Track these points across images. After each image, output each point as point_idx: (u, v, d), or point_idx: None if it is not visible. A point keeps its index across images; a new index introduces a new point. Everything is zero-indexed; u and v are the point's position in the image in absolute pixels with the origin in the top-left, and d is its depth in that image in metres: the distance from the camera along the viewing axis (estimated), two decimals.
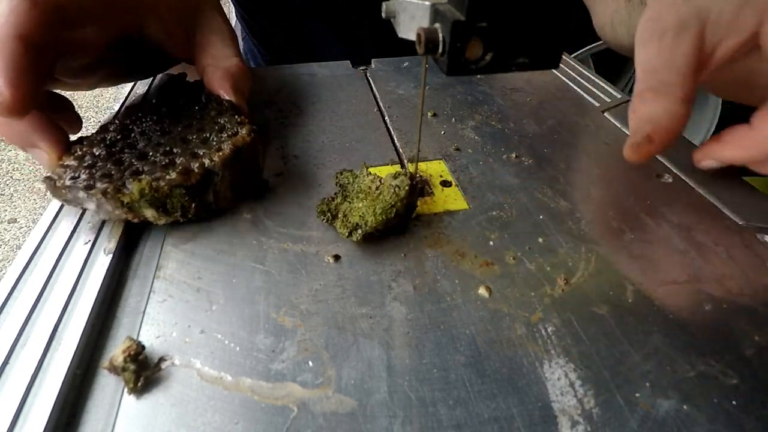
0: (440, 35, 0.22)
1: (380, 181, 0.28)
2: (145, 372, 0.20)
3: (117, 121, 0.31)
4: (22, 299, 0.23)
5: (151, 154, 0.27)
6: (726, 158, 0.30)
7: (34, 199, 1.70)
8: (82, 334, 0.21)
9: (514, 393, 0.20)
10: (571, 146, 0.37)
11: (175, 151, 0.28)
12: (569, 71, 0.48)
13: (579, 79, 0.47)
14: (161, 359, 0.21)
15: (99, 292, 0.23)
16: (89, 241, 0.26)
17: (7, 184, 1.76)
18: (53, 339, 0.21)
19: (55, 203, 0.29)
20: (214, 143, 0.28)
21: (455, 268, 0.26)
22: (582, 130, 0.39)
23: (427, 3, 0.25)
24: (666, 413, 0.19)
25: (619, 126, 0.39)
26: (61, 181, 0.25)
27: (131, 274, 0.26)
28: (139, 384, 0.20)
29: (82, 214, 0.28)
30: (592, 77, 0.47)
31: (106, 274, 0.24)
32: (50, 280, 0.24)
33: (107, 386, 0.20)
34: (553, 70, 0.48)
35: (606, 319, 0.23)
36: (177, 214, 0.27)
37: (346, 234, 0.26)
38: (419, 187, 0.29)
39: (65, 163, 0.27)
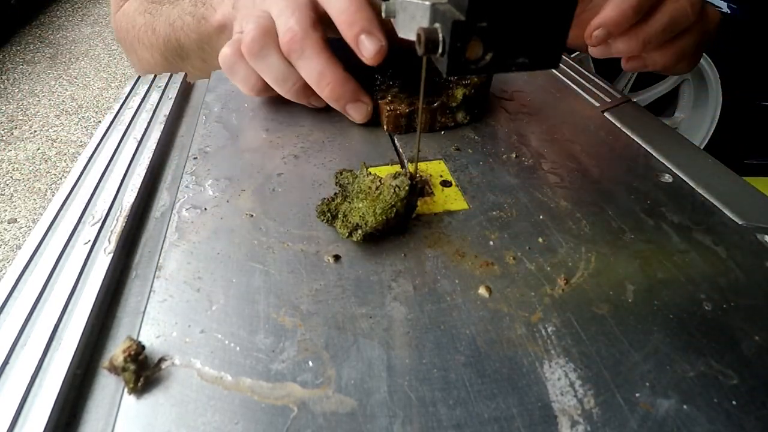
0: (440, 35, 0.22)
1: (380, 181, 0.28)
2: (145, 372, 0.20)
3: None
4: (22, 299, 0.23)
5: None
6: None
7: (34, 199, 1.70)
8: (82, 334, 0.21)
9: (514, 393, 0.20)
10: (571, 146, 0.37)
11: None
12: (569, 71, 0.48)
13: (579, 79, 0.47)
14: (161, 359, 0.21)
15: (99, 292, 0.23)
16: (89, 241, 0.26)
17: (7, 184, 1.76)
18: (53, 339, 0.21)
19: (56, 203, 0.29)
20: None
21: (455, 268, 0.26)
22: (582, 130, 0.39)
23: (427, 3, 0.25)
24: (666, 413, 0.19)
25: (619, 126, 0.39)
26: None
27: (131, 274, 0.26)
28: (139, 384, 0.20)
29: (82, 214, 0.28)
30: (592, 77, 0.47)
31: (106, 274, 0.24)
32: (50, 280, 0.24)
33: (107, 386, 0.20)
34: (553, 70, 0.48)
35: (606, 319, 0.23)
36: (469, 115, 0.38)
37: (346, 234, 0.26)
38: (419, 187, 0.29)
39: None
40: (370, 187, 0.28)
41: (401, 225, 0.28)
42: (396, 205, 0.26)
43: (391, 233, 0.28)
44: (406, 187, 0.27)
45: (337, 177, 0.31)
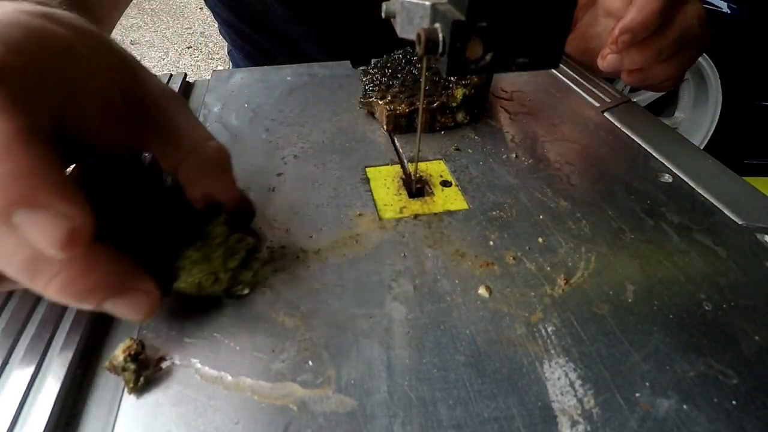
0: (440, 35, 0.22)
1: (226, 236, 0.23)
2: (145, 372, 0.20)
3: None
4: (22, 299, 0.23)
5: None
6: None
7: None
8: (82, 334, 0.21)
9: (514, 393, 0.20)
10: (571, 146, 0.37)
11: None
12: (569, 71, 0.48)
13: (579, 79, 0.47)
14: (161, 359, 0.21)
15: None
16: None
17: None
18: (53, 339, 0.21)
19: None
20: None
21: (455, 268, 0.26)
22: (582, 130, 0.39)
23: (427, 3, 0.25)
24: (666, 413, 0.19)
25: (619, 126, 0.39)
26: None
27: None
28: (139, 384, 0.20)
29: None
30: (592, 77, 0.47)
31: None
32: None
33: (107, 386, 0.20)
34: (553, 70, 0.48)
35: (606, 319, 0.23)
36: (469, 115, 0.38)
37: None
38: (255, 262, 0.25)
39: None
40: (214, 238, 0.23)
41: (230, 297, 0.24)
42: (218, 274, 0.23)
43: (215, 302, 0.24)
44: (238, 259, 0.23)
45: (203, 211, 0.24)
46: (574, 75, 0.48)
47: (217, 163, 0.25)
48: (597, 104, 0.43)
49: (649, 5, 0.35)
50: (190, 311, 0.23)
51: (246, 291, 0.24)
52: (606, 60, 0.40)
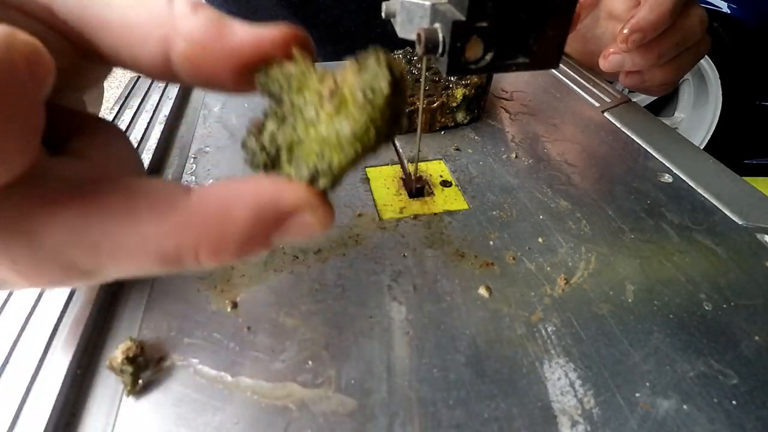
0: (440, 35, 0.22)
1: (335, 81, 0.15)
2: (144, 372, 0.20)
3: None
4: (22, 299, 0.23)
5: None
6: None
7: None
8: (82, 334, 0.21)
9: (514, 393, 0.20)
10: (571, 146, 0.37)
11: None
12: (569, 71, 0.48)
13: (579, 79, 0.47)
14: (161, 359, 0.21)
15: (99, 292, 0.23)
16: None
17: None
18: (53, 339, 0.21)
19: None
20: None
21: (455, 268, 0.26)
22: (582, 130, 0.39)
23: (427, 3, 0.25)
24: (666, 413, 0.19)
25: (619, 126, 0.39)
26: None
27: None
28: (138, 386, 0.20)
29: None
30: (592, 77, 0.47)
31: None
32: None
33: (107, 386, 0.20)
34: (553, 70, 0.48)
35: (606, 319, 0.23)
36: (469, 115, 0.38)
37: (306, 184, 0.15)
38: (403, 79, 0.15)
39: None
40: (321, 94, 0.15)
41: (385, 141, 0.15)
42: (375, 120, 0.14)
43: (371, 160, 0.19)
44: (387, 85, 0.14)
45: (259, 79, 0.16)
46: (574, 75, 0.48)
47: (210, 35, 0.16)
48: (597, 104, 0.43)
49: (660, 6, 0.35)
50: (191, 311, 0.23)
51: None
52: (608, 60, 0.40)
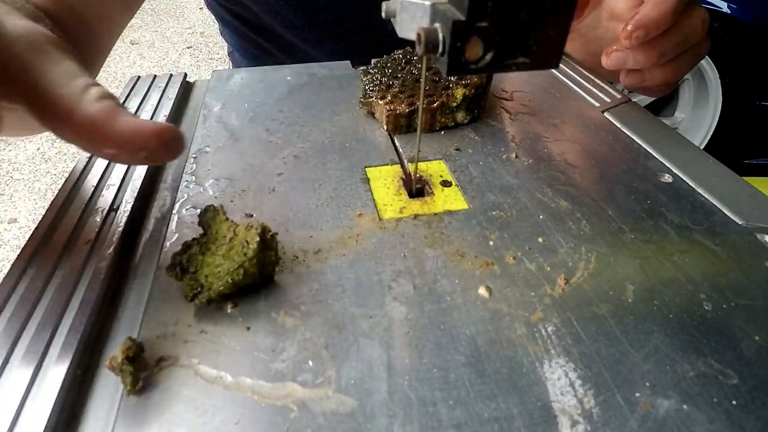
0: (440, 35, 0.22)
1: (234, 231, 0.24)
2: (144, 372, 0.20)
3: None
4: (22, 299, 0.23)
5: None
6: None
7: (34, 199, 1.70)
8: (82, 334, 0.21)
9: (514, 393, 0.20)
10: (571, 146, 0.37)
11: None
12: (569, 71, 0.48)
13: (579, 79, 0.47)
14: (161, 359, 0.21)
15: (99, 291, 0.23)
16: (89, 241, 0.26)
17: (8, 184, 1.76)
18: (53, 339, 0.21)
19: (56, 203, 0.29)
20: None
21: (455, 268, 0.26)
22: (582, 130, 0.39)
23: (427, 3, 0.25)
24: (666, 413, 0.19)
25: (619, 126, 0.39)
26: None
27: (131, 273, 0.26)
28: (137, 386, 0.20)
29: (82, 214, 0.28)
30: (592, 77, 0.47)
31: (106, 274, 0.24)
32: (50, 280, 0.24)
33: (107, 386, 0.20)
34: (553, 70, 0.48)
35: (606, 319, 0.23)
36: (469, 115, 0.38)
37: (189, 297, 0.23)
38: (273, 240, 0.24)
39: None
40: (225, 236, 0.24)
41: (265, 279, 0.24)
42: (243, 265, 0.22)
43: (250, 290, 0.24)
44: (255, 244, 0.22)
45: (200, 216, 0.25)
46: (574, 75, 0.48)
47: (104, 119, 0.21)
48: (597, 104, 0.43)
49: (664, 3, 0.35)
50: (190, 311, 0.23)
51: (276, 269, 0.25)
52: (611, 57, 0.40)
